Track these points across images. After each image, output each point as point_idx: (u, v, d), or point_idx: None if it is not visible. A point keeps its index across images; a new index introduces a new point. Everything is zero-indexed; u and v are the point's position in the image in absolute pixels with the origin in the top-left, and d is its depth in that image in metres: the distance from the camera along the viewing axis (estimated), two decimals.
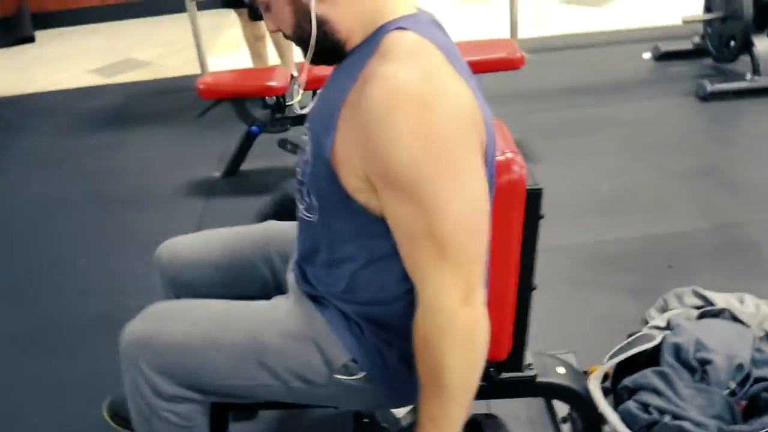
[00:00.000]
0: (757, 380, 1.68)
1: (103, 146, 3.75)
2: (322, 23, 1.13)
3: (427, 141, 1.05)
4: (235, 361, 1.32)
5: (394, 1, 1.16)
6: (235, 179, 3.28)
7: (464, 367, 1.16)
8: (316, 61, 1.19)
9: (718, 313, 1.94)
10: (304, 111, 3.22)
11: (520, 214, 1.31)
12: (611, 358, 1.82)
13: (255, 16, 3.77)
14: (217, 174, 3.31)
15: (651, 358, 1.80)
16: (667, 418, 1.59)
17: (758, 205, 2.76)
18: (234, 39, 5.02)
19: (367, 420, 1.85)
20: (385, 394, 1.35)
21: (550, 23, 4.99)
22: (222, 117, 3.30)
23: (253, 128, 3.14)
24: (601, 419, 1.67)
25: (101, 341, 2.29)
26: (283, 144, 3.22)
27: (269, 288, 1.53)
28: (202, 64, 4.23)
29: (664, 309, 2.12)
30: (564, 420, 1.80)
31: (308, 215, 1.29)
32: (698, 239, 2.57)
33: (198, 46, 4.18)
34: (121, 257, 2.77)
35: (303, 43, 1.18)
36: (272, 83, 3.08)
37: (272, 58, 4.09)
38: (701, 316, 1.95)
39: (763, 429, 1.57)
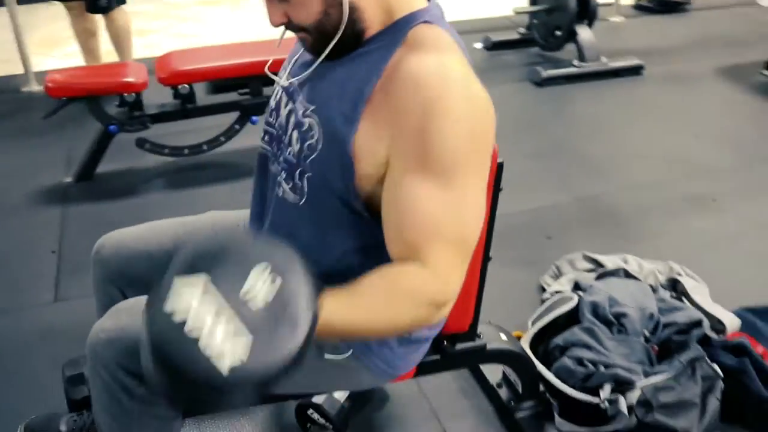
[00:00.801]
0: (665, 326, 1.87)
1: None
2: (352, 10, 1.10)
3: (471, 134, 1.08)
4: None
5: None
6: (90, 183, 3.04)
7: (414, 327, 1.23)
8: (331, 51, 1.14)
9: (613, 273, 2.13)
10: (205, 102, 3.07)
11: (491, 187, 1.36)
12: (535, 322, 1.94)
13: (94, 8, 3.54)
14: (69, 179, 3.05)
15: (568, 318, 1.94)
16: (601, 368, 1.73)
17: (606, 177, 3.05)
18: (50, 37, 4.65)
19: (311, 411, 1.83)
20: (370, 369, 1.34)
21: None
22: (61, 118, 3.02)
23: (112, 127, 2.92)
24: (539, 378, 1.79)
25: None
26: (141, 143, 3.05)
27: None
28: (25, 64, 3.86)
29: (558, 275, 2.29)
30: (499, 385, 1.88)
31: (291, 196, 1.25)
32: (565, 211, 2.79)
33: (20, 44, 3.80)
34: None
35: (323, 33, 1.12)
36: (131, 79, 2.89)
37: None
38: (600, 277, 2.13)
39: (677, 368, 1.76)
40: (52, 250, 2.60)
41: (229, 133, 3.15)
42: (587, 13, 3.93)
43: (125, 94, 2.91)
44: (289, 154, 1.23)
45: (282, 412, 1.87)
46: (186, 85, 2.96)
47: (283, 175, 1.26)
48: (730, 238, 2.62)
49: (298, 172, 1.22)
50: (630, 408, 1.68)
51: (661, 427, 1.67)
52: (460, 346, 1.61)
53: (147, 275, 1.44)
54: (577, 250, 2.41)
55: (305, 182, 1.21)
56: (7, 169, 3.17)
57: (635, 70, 4.06)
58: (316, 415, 1.80)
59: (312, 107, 1.19)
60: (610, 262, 2.25)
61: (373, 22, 1.13)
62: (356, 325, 1.10)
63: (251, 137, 3.20)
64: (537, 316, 1.95)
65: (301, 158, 1.20)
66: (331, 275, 1.27)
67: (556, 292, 2.14)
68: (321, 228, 1.25)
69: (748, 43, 4.55)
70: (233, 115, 3.13)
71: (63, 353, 2.08)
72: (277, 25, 1.14)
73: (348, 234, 1.23)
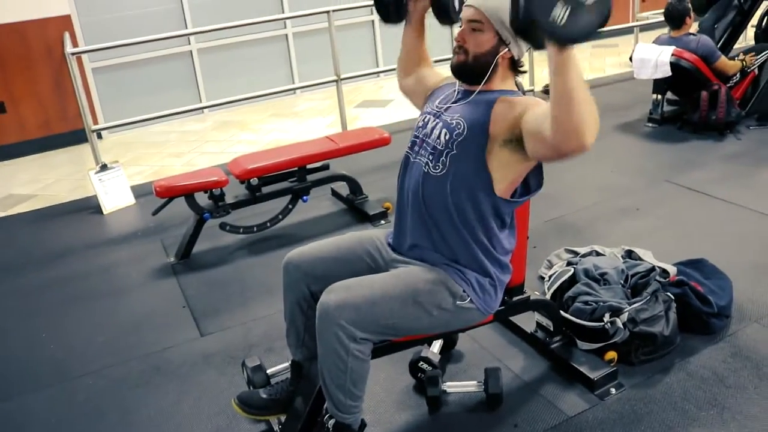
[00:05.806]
0: (632, 276, 2.57)
1: (66, 255, 3.80)
2: (495, 65, 1.88)
3: (533, 101, 1.79)
4: (401, 304, 1.82)
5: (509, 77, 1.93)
6: (189, 260, 3.55)
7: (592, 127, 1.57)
8: (472, 77, 1.91)
9: (589, 253, 2.84)
10: (267, 190, 3.67)
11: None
12: (549, 287, 2.62)
13: None
14: (172, 259, 3.58)
15: (569, 282, 2.62)
16: (601, 304, 2.40)
17: (561, 205, 3.77)
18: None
19: (421, 363, 2.37)
20: (479, 310, 1.95)
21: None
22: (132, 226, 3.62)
23: (206, 215, 3.50)
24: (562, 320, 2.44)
25: None
26: (223, 226, 3.62)
27: (371, 269, 2.01)
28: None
29: (550, 265, 2.98)
30: (535, 331, 2.52)
31: (435, 171, 1.88)
32: (539, 230, 3.45)
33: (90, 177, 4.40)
34: (129, 337, 2.93)
35: (474, 67, 1.88)
36: (215, 178, 3.49)
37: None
38: (583, 256, 2.83)
39: (646, 297, 2.44)
40: (182, 305, 3.12)
41: (285, 212, 3.76)
42: None
43: (213, 190, 3.52)
44: (436, 145, 1.89)
45: (396, 372, 2.41)
46: (256, 179, 3.60)
47: (429, 158, 1.90)
48: (652, 230, 3.39)
49: (444, 153, 1.87)
50: (624, 325, 2.35)
51: (645, 333, 2.34)
52: (515, 298, 2.26)
53: (324, 273, 1.96)
54: (554, 249, 3.11)
55: (448, 159, 1.86)
56: (118, 261, 3.70)
57: None
58: (424, 365, 2.37)
59: (458, 115, 1.89)
60: (583, 250, 2.96)
61: (495, 81, 1.90)
62: (581, 81, 1.50)
63: (300, 214, 3.85)
64: (549, 284, 2.63)
65: (449, 143, 1.86)
66: (454, 254, 1.92)
67: (555, 273, 2.82)
68: (453, 184, 1.87)
69: (630, 106, 5.50)
70: (286, 198, 3.77)
71: (221, 367, 2.64)
72: (458, 41, 1.89)
73: (471, 183, 1.86)
